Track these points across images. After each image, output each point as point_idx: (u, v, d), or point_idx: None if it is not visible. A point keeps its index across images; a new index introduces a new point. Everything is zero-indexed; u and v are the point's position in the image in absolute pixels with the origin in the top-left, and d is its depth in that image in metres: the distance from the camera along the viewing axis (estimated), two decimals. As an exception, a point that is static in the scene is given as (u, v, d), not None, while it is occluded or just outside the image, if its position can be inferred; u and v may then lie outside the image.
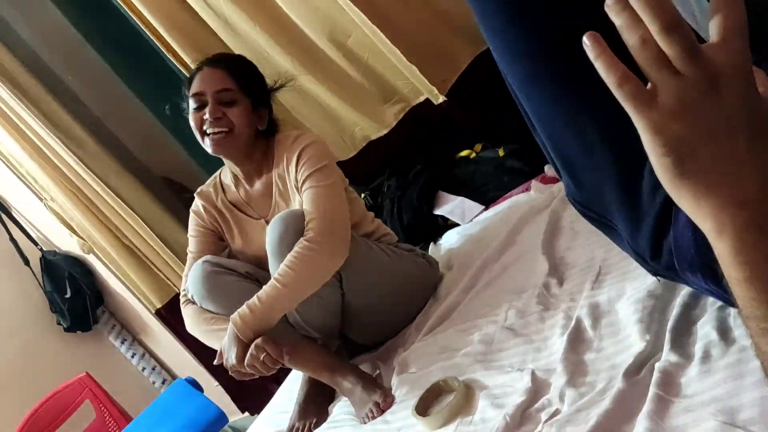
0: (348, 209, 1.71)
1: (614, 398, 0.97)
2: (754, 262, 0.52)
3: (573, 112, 1.00)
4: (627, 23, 0.51)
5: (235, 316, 1.56)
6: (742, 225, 0.52)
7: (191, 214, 1.91)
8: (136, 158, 3.23)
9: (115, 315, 3.71)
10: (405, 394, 1.47)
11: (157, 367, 3.72)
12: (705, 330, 1.00)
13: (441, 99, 2.24)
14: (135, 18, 2.53)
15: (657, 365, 0.98)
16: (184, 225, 2.20)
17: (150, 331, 3.57)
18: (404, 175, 2.47)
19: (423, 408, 1.34)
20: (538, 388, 1.15)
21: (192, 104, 1.74)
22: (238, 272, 1.74)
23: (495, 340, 1.40)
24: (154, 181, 3.23)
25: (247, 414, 3.35)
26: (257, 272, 1.77)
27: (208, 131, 1.72)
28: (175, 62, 2.56)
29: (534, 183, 2.02)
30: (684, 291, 1.10)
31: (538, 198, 1.92)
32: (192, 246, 1.86)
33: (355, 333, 1.83)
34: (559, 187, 1.82)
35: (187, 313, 1.74)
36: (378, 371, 1.69)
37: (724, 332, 0.97)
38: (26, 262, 3.47)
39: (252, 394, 3.12)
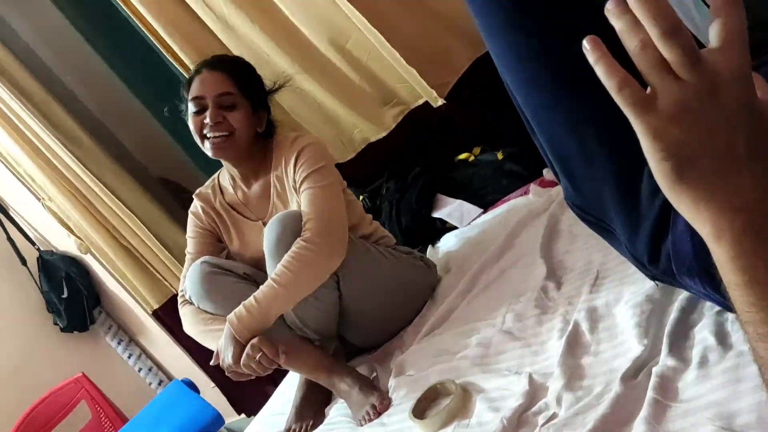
0: (346, 210, 1.71)
1: (611, 402, 0.97)
2: (753, 266, 0.52)
3: (572, 116, 1.00)
4: (627, 27, 0.51)
5: (231, 316, 1.56)
6: (741, 230, 0.52)
7: (190, 216, 1.91)
8: (134, 158, 3.23)
9: (112, 315, 3.70)
10: (402, 396, 1.46)
11: (153, 368, 3.71)
12: (703, 335, 1.00)
13: (440, 102, 2.24)
14: (135, 18, 2.52)
15: (654, 369, 0.98)
16: (182, 226, 2.20)
17: (147, 332, 3.57)
18: (403, 177, 2.46)
19: (420, 411, 1.34)
20: (535, 392, 1.15)
21: (191, 108, 1.73)
22: (236, 273, 1.74)
23: (492, 343, 1.39)
24: (152, 181, 3.23)
25: (243, 415, 3.34)
26: (255, 273, 1.77)
27: (208, 135, 1.71)
28: (174, 63, 2.56)
29: (532, 186, 2.02)
30: (682, 295, 1.10)
31: (536, 201, 1.92)
32: (190, 247, 1.86)
33: (352, 335, 1.82)
34: (558, 191, 1.82)
35: (185, 313, 1.74)
36: (375, 373, 1.68)
37: (722, 337, 0.97)
38: (23, 261, 3.47)
39: (248, 396, 3.12)
